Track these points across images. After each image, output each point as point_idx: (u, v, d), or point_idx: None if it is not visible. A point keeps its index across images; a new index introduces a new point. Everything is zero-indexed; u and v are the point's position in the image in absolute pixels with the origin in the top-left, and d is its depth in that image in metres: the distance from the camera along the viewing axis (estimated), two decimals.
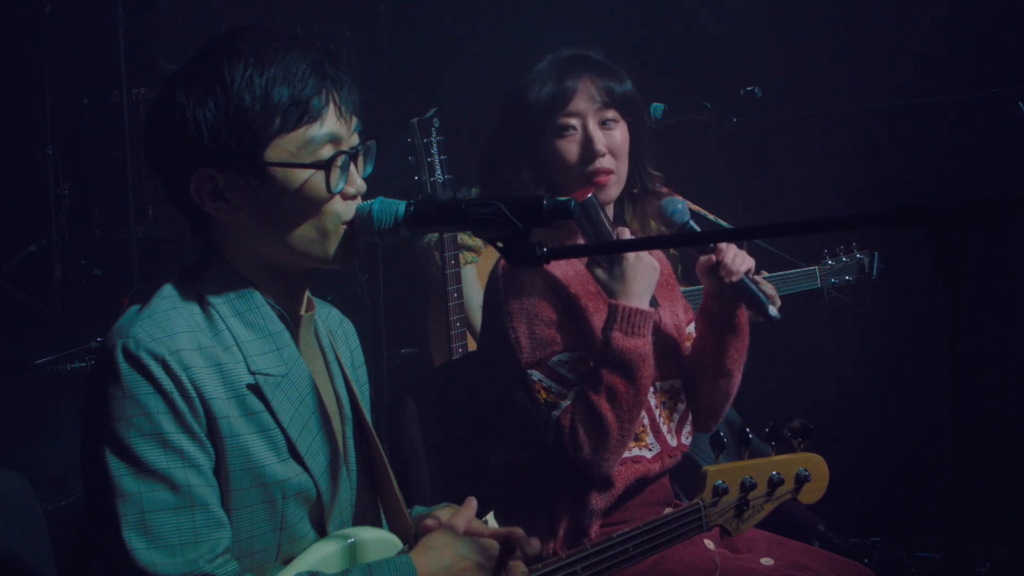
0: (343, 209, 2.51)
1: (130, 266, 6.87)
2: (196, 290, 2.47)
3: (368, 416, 2.71)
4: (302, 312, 2.61)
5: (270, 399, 2.44)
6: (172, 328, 2.38)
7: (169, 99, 2.44)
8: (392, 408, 3.73)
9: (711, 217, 4.95)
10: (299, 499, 2.48)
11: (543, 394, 3.30)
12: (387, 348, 5.10)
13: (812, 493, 3.39)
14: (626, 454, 3.40)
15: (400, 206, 2.58)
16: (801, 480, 3.34)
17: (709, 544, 3.51)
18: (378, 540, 2.58)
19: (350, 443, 2.65)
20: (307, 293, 2.64)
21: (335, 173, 2.47)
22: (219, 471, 2.39)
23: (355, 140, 2.55)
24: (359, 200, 2.55)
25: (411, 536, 2.64)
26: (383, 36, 7.24)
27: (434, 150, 4.50)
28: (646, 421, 3.47)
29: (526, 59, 5.11)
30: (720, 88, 4.95)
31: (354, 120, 2.55)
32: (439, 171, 4.50)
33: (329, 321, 2.78)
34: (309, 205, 2.46)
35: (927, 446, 5.37)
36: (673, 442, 3.54)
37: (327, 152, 2.47)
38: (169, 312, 2.41)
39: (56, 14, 6.67)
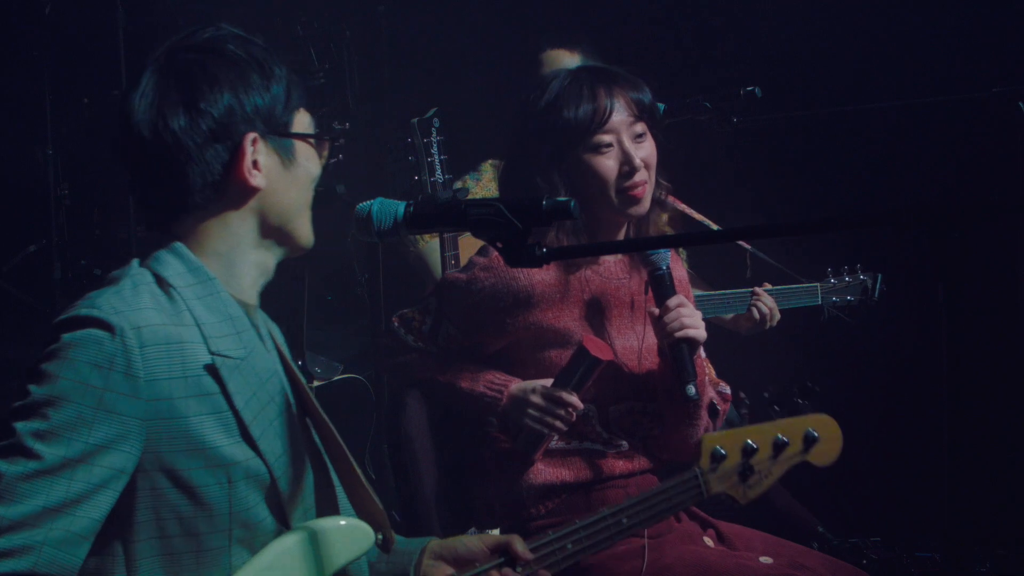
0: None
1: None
2: (158, 274, 2.50)
3: (316, 404, 2.73)
4: (254, 302, 2.65)
5: (226, 381, 2.45)
6: (138, 303, 2.41)
7: (213, 75, 2.53)
8: (392, 408, 3.73)
9: (703, 220, 4.94)
10: (251, 483, 2.47)
11: None
12: None
13: (824, 455, 3.28)
14: (574, 446, 3.50)
15: (400, 206, 2.58)
16: (810, 441, 3.23)
17: (708, 542, 3.52)
18: (346, 529, 2.57)
19: (299, 429, 2.65)
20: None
21: (328, 151, 2.66)
22: (154, 452, 2.39)
23: None
24: None
25: (383, 521, 2.63)
26: (383, 36, 7.24)
27: (434, 150, 4.50)
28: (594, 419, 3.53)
29: (525, 59, 5.13)
30: (720, 88, 4.95)
31: None
32: (439, 171, 4.50)
33: (263, 318, 2.81)
34: (315, 179, 2.63)
35: (927, 446, 5.37)
36: (641, 449, 3.56)
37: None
38: (138, 287, 2.45)
39: (56, 14, 6.66)
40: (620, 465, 3.50)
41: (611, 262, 3.58)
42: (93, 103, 6.86)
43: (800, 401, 3.36)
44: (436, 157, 4.50)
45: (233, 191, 2.53)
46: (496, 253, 3.37)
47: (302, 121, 2.61)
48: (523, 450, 3.45)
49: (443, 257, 4.52)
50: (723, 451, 3.11)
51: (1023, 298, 5.04)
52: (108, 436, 2.34)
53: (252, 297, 2.62)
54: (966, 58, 5.66)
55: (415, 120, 4.52)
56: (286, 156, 2.57)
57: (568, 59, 5.03)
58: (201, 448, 2.42)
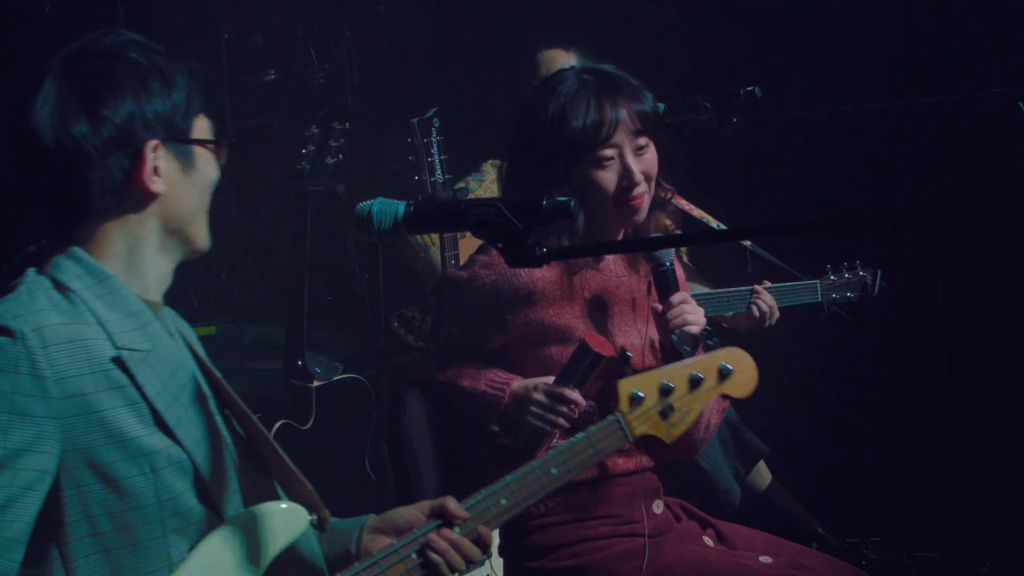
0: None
1: None
2: (55, 279, 2.52)
3: (235, 396, 2.75)
4: (158, 300, 2.68)
5: (135, 373, 2.47)
6: (35, 307, 2.44)
7: (115, 83, 2.56)
8: (393, 408, 3.73)
9: (705, 217, 4.95)
10: (174, 471, 2.49)
11: None
12: None
13: (740, 386, 3.26)
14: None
15: (400, 206, 2.58)
16: (724, 374, 3.21)
17: (708, 542, 3.53)
18: (278, 512, 2.58)
19: (218, 418, 2.68)
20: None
21: (225, 155, 2.71)
22: (74, 450, 2.41)
23: None
24: None
25: (316, 503, 2.64)
26: (383, 36, 7.24)
27: (434, 150, 4.50)
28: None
29: (522, 59, 5.13)
30: (720, 88, 4.95)
31: None
32: (439, 171, 4.50)
33: (169, 315, 2.84)
34: (208, 184, 2.68)
35: (927, 446, 5.37)
36: (642, 447, 3.56)
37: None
38: (34, 292, 2.47)
39: (56, 14, 6.66)
40: (621, 463, 3.50)
41: (611, 260, 3.59)
42: None
43: (711, 343, 3.38)
44: (436, 157, 4.50)
45: (134, 196, 2.56)
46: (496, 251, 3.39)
47: (201, 127, 2.65)
48: (525, 448, 3.45)
49: (443, 257, 4.52)
50: (640, 394, 3.10)
51: (1023, 298, 5.04)
52: (25, 439, 2.36)
53: (156, 295, 2.66)
54: (966, 58, 5.66)
55: (415, 120, 4.52)
56: (185, 162, 2.61)
57: (564, 58, 5.04)
58: (119, 440, 2.44)
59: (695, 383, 3.16)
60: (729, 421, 5.16)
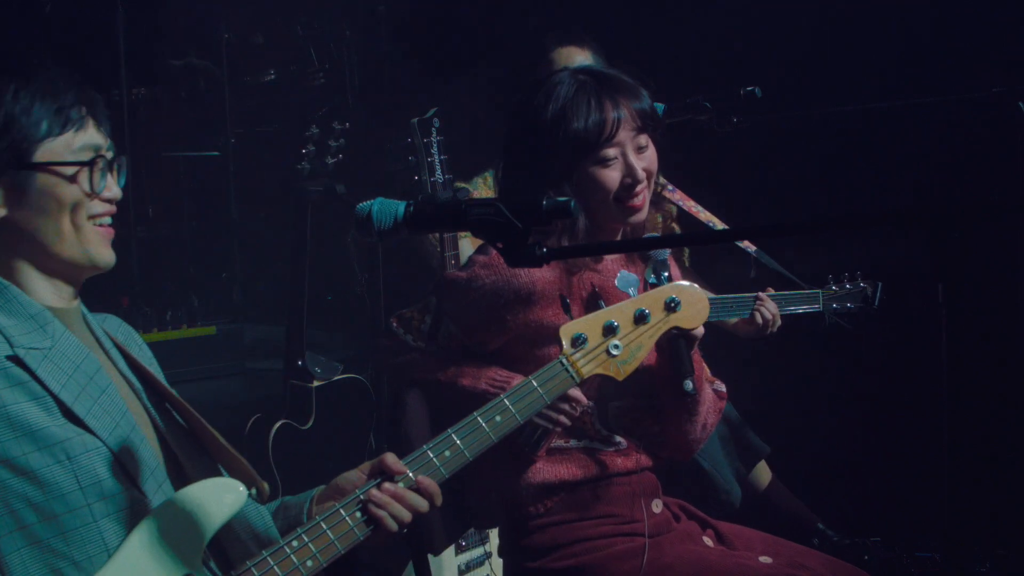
0: (101, 209, 2.72)
1: (130, 266, 6.89)
2: None
3: (169, 387, 2.85)
4: (68, 306, 2.75)
5: (35, 369, 2.55)
6: None
7: None
8: (393, 409, 3.74)
9: (711, 219, 4.95)
10: (92, 457, 2.55)
11: None
12: None
13: (690, 318, 3.20)
14: (573, 444, 3.50)
15: (400, 206, 2.58)
16: (672, 306, 3.16)
17: (708, 542, 3.53)
18: (212, 488, 2.62)
19: (151, 409, 2.78)
20: (74, 297, 2.78)
21: (96, 173, 2.68)
22: None
23: (110, 153, 2.76)
24: (113, 207, 2.76)
25: (254, 477, 2.73)
26: (383, 36, 7.25)
27: (434, 150, 4.50)
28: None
29: (534, 57, 5.12)
30: (720, 88, 4.95)
31: (108, 137, 2.78)
32: (439, 171, 4.50)
33: (106, 324, 2.92)
34: (70, 203, 2.67)
35: (927, 446, 5.37)
36: (640, 447, 3.56)
37: (88, 157, 2.68)
38: None
39: (56, 14, 6.67)
40: (620, 463, 3.51)
41: (610, 260, 3.60)
42: None
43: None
44: (436, 157, 4.50)
45: None
46: (496, 251, 3.39)
47: (52, 150, 2.66)
48: (526, 447, 3.45)
49: (443, 257, 4.52)
50: (583, 335, 3.08)
51: (1023, 298, 5.04)
52: None
53: (60, 303, 2.72)
54: (966, 58, 5.66)
55: (415, 120, 4.52)
56: (26, 186, 2.64)
57: (579, 56, 5.03)
58: (28, 432, 2.51)
59: (641, 319, 3.12)
60: (729, 420, 5.16)
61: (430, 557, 3.70)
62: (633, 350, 3.12)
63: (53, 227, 2.65)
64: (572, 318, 3.12)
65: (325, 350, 5.67)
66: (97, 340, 2.80)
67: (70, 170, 2.66)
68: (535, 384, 2.99)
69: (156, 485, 2.65)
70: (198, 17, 7.20)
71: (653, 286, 3.32)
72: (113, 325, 2.93)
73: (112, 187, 2.73)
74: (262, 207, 7.22)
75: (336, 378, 5.33)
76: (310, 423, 5.23)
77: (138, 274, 6.63)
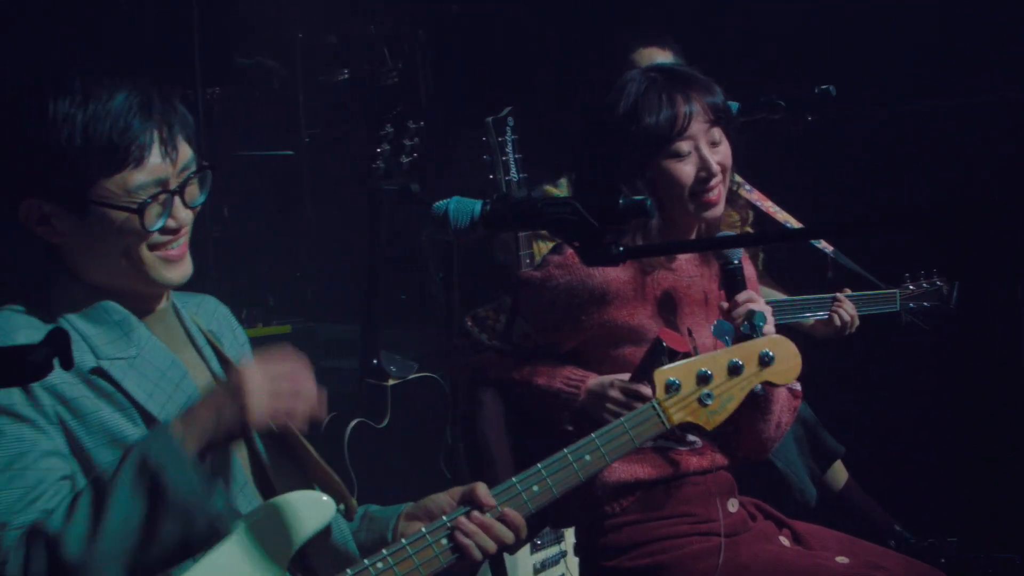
0: (162, 240, 2.65)
1: (206, 266, 6.94)
2: (45, 310, 2.62)
3: None
4: (155, 308, 2.74)
5: (120, 380, 2.56)
6: (11, 327, 2.54)
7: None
8: (468, 408, 3.74)
9: (791, 222, 4.92)
10: None
11: None
12: None
13: (782, 373, 3.23)
14: (648, 443, 3.46)
15: (476, 205, 2.59)
16: (765, 361, 3.19)
17: (784, 542, 3.51)
18: (303, 501, 2.61)
19: None
20: (160, 299, 2.77)
21: (152, 213, 2.60)
22: (77, 452, 2.51)
23: (190, 167, 2.68)
24: (181, 231, 2.70)
25: (344, 492, 2.73)
26: (458, 36, 7.26)
27: (508, 149, 4.51)
28: None
29: (615, 57, 5.12)
30: (793, 86, 4.92)
31: (185, 149, 2.67)
32: (513, 170, 4.51)
33: (202, 310, 2.91)
34: (124, 241, 2.61)
35: (1005, 445, 5.32)
36: (715, 446, 3.55)
37: (148, 193, 2.59)
38: (9, 317, 2.57)
39: (133, 11, 6.72)
40: (695, 462, 3.50)
41: (684, 259, 3.59)
42: None
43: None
44: (511, 156, 4.51)
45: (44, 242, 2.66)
46: (571, 251, 3.39)
47: (107, 188, 2.57)
48: None
49: (517, 256, 4.53)
50: (677, 381, 3.08)
51: None
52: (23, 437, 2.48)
53: (144, 312, 2.70)
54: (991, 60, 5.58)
55: (489, 119, 4.53)
56: (79, 217, 2.59)
57: (661, 57, 5.02)
58: (120, 440, 2.52)
59: (734, 370, 3.14)
60: (804, 421, 5.13)
61: (506, 556, 3.71)
62: (724, 401, 3.14)
63: (110, 260, 2.62)
64: (667, 362, 3.14)
65: (400, 348, 5.69)
66: (189, 337, 2.78)
67: (123, 213, 2.59)
68: (626, 426, 3.01)
69: (237, 488, 2.67)
70: (271, 17, 7.24)
71: (746, 337, 3.32)
72: (209, 310, 2.92)
73: (178, 214, 2.67)
74: (337, 206, 7.25)
75: (411, 376, 5.35)
76: (385, 421, 5.25)
77: (214, 274, 6.66)
